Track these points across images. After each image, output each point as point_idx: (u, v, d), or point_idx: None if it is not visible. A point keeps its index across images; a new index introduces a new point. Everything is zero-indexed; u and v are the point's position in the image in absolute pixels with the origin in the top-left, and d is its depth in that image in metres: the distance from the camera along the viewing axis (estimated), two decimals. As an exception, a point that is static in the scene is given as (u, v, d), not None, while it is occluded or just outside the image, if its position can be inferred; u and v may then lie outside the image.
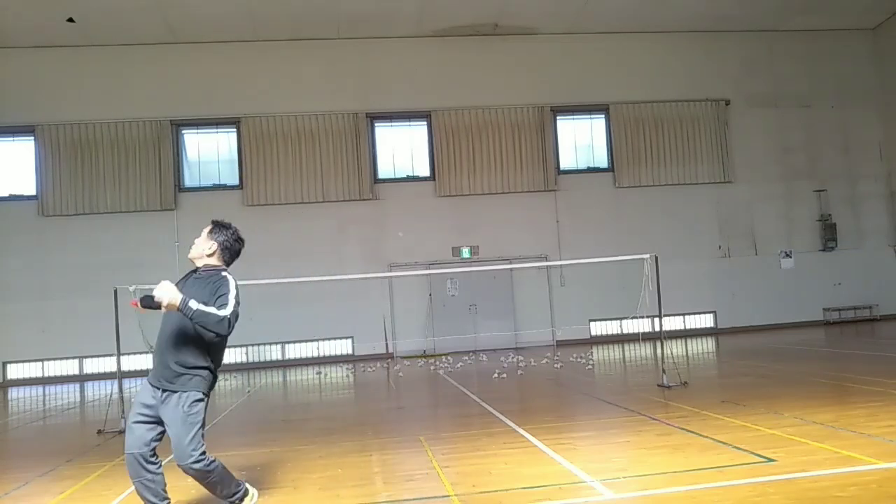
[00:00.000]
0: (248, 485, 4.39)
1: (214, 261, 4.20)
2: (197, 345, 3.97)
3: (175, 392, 3.96)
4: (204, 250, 4.19)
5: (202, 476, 4.00)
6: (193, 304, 3.76)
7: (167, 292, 3.75)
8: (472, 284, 16.85)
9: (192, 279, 4.19)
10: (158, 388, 4.00)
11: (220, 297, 3.94)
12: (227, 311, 3.86)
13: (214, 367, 4.12)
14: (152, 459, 4.00)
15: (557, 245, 17.27)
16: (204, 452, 3.97)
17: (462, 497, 4.51)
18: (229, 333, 3.93)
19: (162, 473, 4.07)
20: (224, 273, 4.15)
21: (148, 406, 4.00)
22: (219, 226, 4.26)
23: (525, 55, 17.53)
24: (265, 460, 5.99)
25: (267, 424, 8.42)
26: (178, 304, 3.73)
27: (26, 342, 15.75)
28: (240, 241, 4.32)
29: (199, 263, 4.23)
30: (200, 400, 4.00)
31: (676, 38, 18.07)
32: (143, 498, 4.05)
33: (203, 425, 4.03)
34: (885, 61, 18.64)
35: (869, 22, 18.67)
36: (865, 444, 5.20)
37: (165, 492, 4.07)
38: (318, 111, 16.91)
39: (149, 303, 4.17)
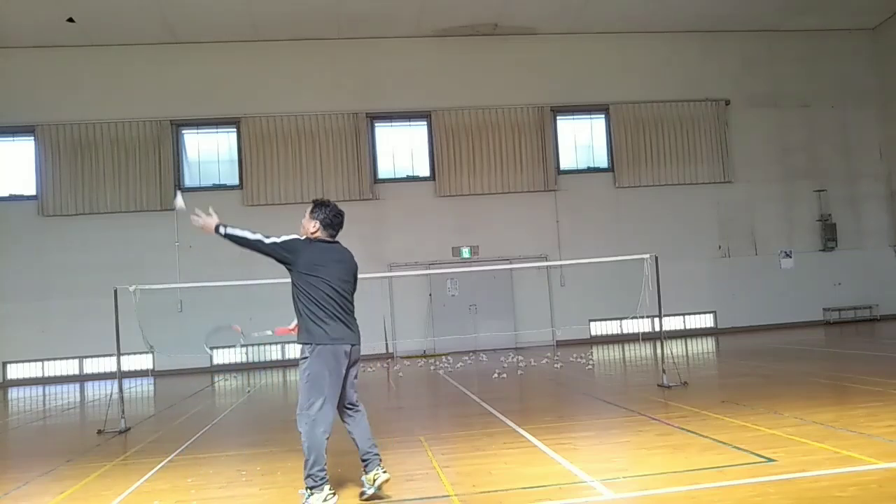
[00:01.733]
0: (331, 489, 4.38)
1: (319, 234, 4.64)
2: (296, 308, 4.51)
3: (302, 346, 4.48)
4: (310, 229, 4.65)
5: (301, 428, 4.34)
6: (225, 227, 4.40)
7: (199, 220, 4.44)
8: (472, 284, 16.85)
9: None
10: None
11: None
12: (259, 237, 4.42)
13: (319, 320, 4.41)
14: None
15: (557, 245, 17.27)
16: (311, 406, 4.30)
17: (462, 497, 4.51)
18: (252, 247, 4.42)
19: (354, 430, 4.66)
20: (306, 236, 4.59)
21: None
22: (318, 205, 4.69)
23: (525, 55, 17.53)
24: (265, 460, 6.00)
25: (267, 424, 8.42)
26: (211, 227, 4.40)
27: (26, 342, 15.76)
28: (339, 215, 4.70)
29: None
30: (304, 357, 4.40)
31: (676, 38, 18.07)
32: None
33: (318, 378, 4.31)
34: (885, 61, 18.64)
35: (869, 22, 18.67)
36: (865, 444, 5.20)
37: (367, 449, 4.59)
38: (318, 111, 16.91)
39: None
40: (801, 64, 18.55)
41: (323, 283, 4.46)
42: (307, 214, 4.66)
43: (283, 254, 4.44)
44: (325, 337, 4.37)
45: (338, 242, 4.72)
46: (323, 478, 4.33)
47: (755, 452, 5.12)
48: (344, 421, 4.67)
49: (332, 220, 4.66)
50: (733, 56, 18.35)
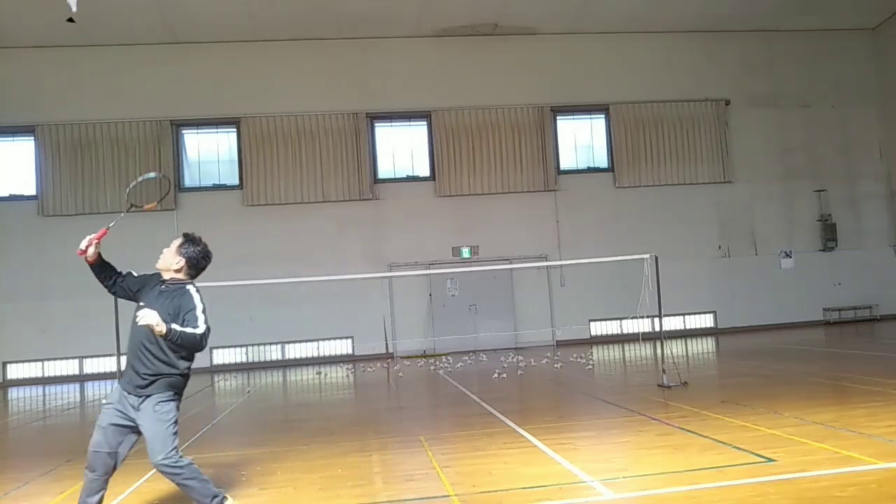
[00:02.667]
0: (228, 497, 4.33)
1: (181, 275, 4.27)
2: (165, 351, 4.06)
3: (149, 396, 4.07)
4: (171, 264, 4.26)
5: (173, 475, 4.06)
6: (177, 329, 3.91)
7: (152, 320, 3.80)
8: (472, 284, 16.85)
9: (158, 292, 4.20)
10: (132, 395, 4.11)
11: (188, 313, 4.04)
12: (201, 329, 4.01)
13: (184, 372, 4.22)
14: (115, 462, 4.18)
15: (557, 245, 17.27)
16: (175, 450, 4.05)
17: (462, 497, 4.51)
18: (204, 347, 4.10)
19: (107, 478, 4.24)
20: (188, 287, 4.21)
21: (120, 412, 4.12)
22: (190, 240, 4.32)
23: (525, 55, 17.53)
24: (265, 460, 5.99)
25: (267, 424, 8.41)
26: (164, 331, 3.83)
27: (26, 342, 15.75)
28: (207, 257, 4.36)
29: (166, 276, 4.29)
30: (171, 399, 4.12)
31: (676, 38, 18.07)
32: (84, 493, 4.18)
33: (175, 423, 4.12)
34: (885, 61, 18.64)
35: (869, 22, 18.67)
36: (865, 444, 5.20)
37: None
38: (318, 111, 16.91)
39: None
40: (801, 64, 18.55)
41: None
42: (174, 247, 4.30)
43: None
44: (181, 391, 4.23)
45: None
46: (217, 494, 4.18)
47: (755, 452, 5.13)
48: (106, 473, 4.21)
49: (200, 261, 4.30)
50: (733, 56, 18.35)
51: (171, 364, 4.08)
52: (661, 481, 4.61)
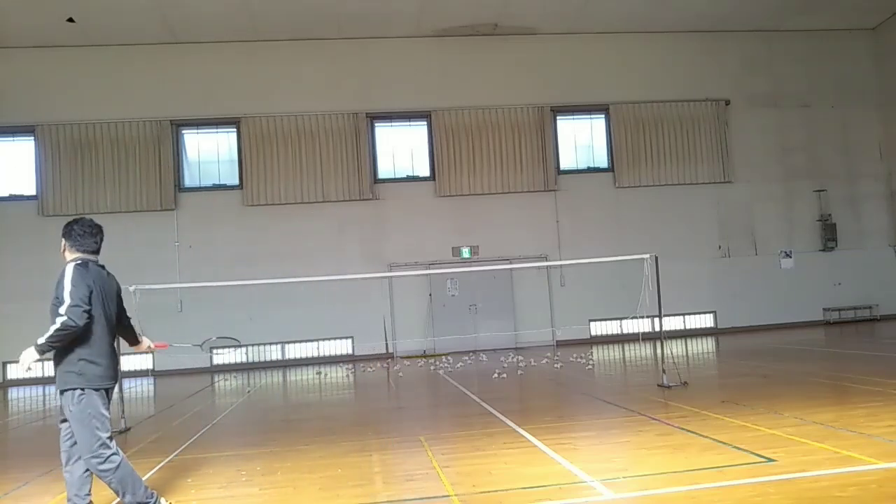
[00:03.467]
0: (162, 498, 4.36)
1: (69, 255, 4.31)
2: (69, 344, 4.09)
3: (64, 391, 4.12)
4: (61, 249, 4.35)
5: (100, 474, 4.08)
6: (40, 340, 3.97)
7: (24, 358, 4.03)
8: (472, 284, 16.85)
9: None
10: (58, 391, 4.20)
11: (57, 298, 4.05)
12: (63, 310, 3.96)
13: (95, 357, 4.15)
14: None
15: (557, 245, 17.27)
16: (102, 447, 4.07)
17: (462, 497, 4.51)
18: (84, 322, 4.02)
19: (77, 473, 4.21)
20: (68, 265, 4.19)
21: (61, 408, 4.23)
22: (68, 223, 4.37)
23: (525, 55, 17.53)
24: (265, 460, 5.99)
25: (267, 424, 8.42)
26: (36, 356, 4.00)
27: (26, 342, 15.61)
28: (82, 225, 4.33)
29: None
30: (84, 395, 4.09)
31: (676, 38, 18.07)
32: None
33: (97, 418, 4.10)
34: (885, 61, 18.64)
35: (869, 22, 18.67)
36: (865, 444, 5.20)
37: (88, 493, 4.22)
38: (318, 111, 16.91)
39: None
40: (801, 64, 18.55)
41: (101, 316, 4.16)
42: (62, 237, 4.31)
43: (87, 304, 4.03)
44: (98, 379, 4.12)
45: (103, 266, 4.40)
46: (152, 494, 4.22)
47: (755, 452, 5.13)
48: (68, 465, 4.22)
49: (84, 231, 4.28)
50: (733, 56, 18.35)
51: (66, 350, 4.10)
52: (661, 481, 4.61)
